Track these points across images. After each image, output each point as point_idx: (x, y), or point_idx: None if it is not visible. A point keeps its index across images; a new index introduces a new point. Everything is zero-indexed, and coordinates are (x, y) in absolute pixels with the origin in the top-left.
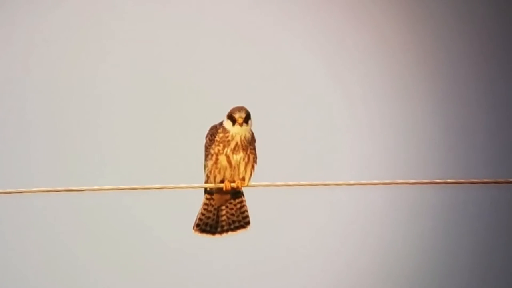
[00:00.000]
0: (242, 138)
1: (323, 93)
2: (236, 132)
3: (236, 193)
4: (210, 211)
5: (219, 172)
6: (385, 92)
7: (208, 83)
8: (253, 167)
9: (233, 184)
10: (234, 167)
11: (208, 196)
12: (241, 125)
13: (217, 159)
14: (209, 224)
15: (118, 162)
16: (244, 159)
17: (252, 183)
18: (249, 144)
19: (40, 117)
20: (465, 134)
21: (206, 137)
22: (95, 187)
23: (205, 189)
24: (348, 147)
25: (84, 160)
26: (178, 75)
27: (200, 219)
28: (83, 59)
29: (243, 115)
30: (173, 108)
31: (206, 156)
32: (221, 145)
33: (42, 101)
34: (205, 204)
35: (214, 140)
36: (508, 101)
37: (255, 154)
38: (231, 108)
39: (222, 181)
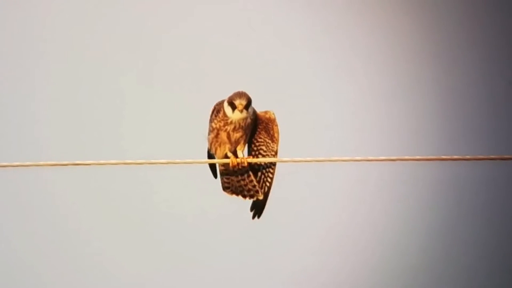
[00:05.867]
0: (241, 123)
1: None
2: (236, 118)
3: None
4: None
5: (220, 146)
6: (387, 70)
7: (216, 58)
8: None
9: (238, 160)
10: (233, 143)
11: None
12: (241, 111)
13: (217, 133)
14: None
15: (125, 136)
16: (242, 136)
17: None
18: (249, 126)
19: (46, 88)
20: (462, 112)
21: (213, 111)
22: (101, 162)
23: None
24: (349, 123)
25: (91, 134)
26: (187, 46)
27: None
28: (93, 30)
29: (244, 102)
30: (180, 81)
31: (209, 129)
32: (223, 122)
33: (48, 72)
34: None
35: (218, 116)
36: (505, 78)
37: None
38: (232, 93)
39: (226, 156)
